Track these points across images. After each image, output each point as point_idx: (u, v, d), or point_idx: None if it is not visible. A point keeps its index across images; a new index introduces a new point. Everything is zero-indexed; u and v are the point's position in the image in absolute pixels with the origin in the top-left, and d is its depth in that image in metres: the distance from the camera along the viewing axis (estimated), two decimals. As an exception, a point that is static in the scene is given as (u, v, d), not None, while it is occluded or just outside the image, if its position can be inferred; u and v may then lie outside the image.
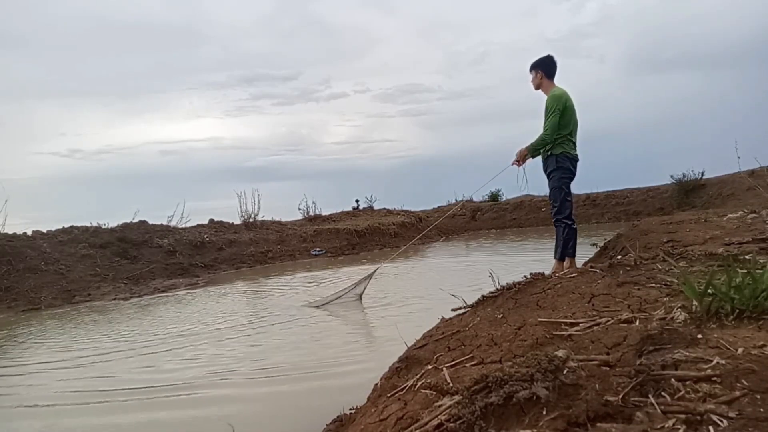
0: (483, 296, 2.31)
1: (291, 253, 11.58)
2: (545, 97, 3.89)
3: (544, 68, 3.88)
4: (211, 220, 12.16)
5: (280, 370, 3.35)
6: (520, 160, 3.93)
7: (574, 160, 3.84)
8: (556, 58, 3.89)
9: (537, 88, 3.94)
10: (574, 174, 3.86)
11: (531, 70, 3.92)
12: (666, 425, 0.81)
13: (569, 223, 3.83)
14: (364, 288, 5.77)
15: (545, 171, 3.93)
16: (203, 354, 3.93)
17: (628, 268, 2.12)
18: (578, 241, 3.97)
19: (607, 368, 1.07)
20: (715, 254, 2.23)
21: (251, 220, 12.70)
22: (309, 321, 4.87)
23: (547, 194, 4.07)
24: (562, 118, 3.73)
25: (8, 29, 31.03)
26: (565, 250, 3.84)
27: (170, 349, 4.14)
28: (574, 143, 3.84)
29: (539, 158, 3.97)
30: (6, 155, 32.05)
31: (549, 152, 3.81)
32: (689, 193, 13.33)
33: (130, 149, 33.94)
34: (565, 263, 3.81)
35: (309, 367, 3.34)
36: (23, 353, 4.52)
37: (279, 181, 36.65)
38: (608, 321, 1.43)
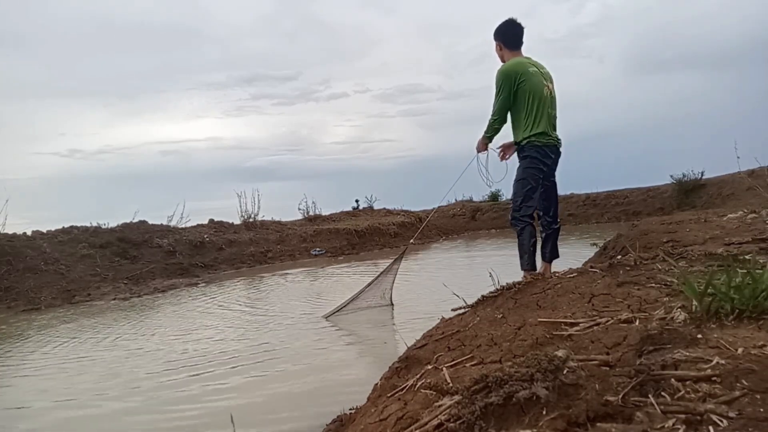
0: (483, 296, 2.31)
1: (291, 253, 11.58)
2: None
3: (501, 37, 3.21)
4: (211, 220, 12.15)
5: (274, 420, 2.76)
6: (479, 150, 3.37)
7: (547, 147, 3.10)
8: (518, 21, 3.20)
9: (503, 61, 3.27)
10: (548, 165, 3.12)
11: (494, 40, 3.29)
12: (666, 425, 0.82)
13: (528, 221, 3.14)
14: (393, 281, 4.75)
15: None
16: (194, 392, 3.29)
17: (628, 268, 2.12)
18: (577, 240, 3.82)
19: (607, 368, 1.07)
20: (715, 254, 2.23)
21: (251, 220, 12.69)
22: (312, 338, 4.31)
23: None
24: (515, 99, 3.08)
25: (8, 29, 30.97)
26: (533, 253, 3.21)
27: (159, 372, 3.69)
28: (545, 132, 3.08)
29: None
30: (6, 155, 31.98)
31: (517, 142, 3.19)
32: (689, 193, 13.32)
33: (130, 149, 33.77)
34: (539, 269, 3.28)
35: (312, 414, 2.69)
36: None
37: (279, 181, 36.58)
38: (608, 321, 1.43)
